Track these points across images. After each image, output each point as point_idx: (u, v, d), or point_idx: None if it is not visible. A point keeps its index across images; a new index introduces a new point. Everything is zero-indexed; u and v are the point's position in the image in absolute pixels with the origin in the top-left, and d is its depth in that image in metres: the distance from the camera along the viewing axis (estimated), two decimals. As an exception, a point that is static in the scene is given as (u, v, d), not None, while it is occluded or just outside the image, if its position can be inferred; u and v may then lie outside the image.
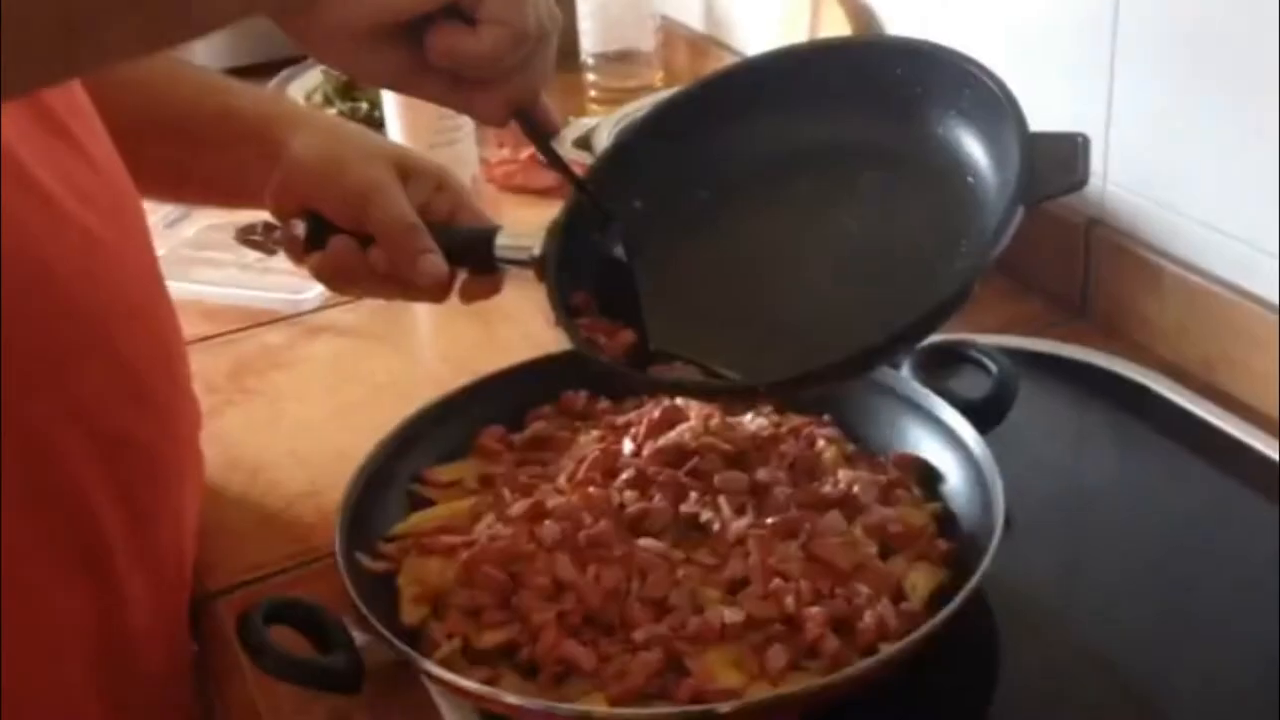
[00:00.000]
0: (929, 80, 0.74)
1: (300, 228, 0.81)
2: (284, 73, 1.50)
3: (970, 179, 0.73)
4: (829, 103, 0.77)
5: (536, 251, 0.78)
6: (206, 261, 1.21)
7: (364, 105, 1.44)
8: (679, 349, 0.74)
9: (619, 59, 1.48)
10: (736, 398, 0.81)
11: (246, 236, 0.94)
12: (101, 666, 0.73)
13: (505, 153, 1.33)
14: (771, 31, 1.40)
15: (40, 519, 0.69)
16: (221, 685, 0.78)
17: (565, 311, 0.75)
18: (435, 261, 0.78)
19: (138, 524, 0.74)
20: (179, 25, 0.59)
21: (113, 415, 0.73)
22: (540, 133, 0.70)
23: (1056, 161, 0.68)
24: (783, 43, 1.33)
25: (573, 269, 0.76)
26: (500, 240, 0.79)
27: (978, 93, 0.72)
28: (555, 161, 0.72)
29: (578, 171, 0.78)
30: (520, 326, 1.03)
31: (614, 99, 1.40)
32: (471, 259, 0.80)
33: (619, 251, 0.75)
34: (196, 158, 0.86)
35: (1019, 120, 0.69)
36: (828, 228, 0.76)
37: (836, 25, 1.26)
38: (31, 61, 0.54)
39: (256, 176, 0.83)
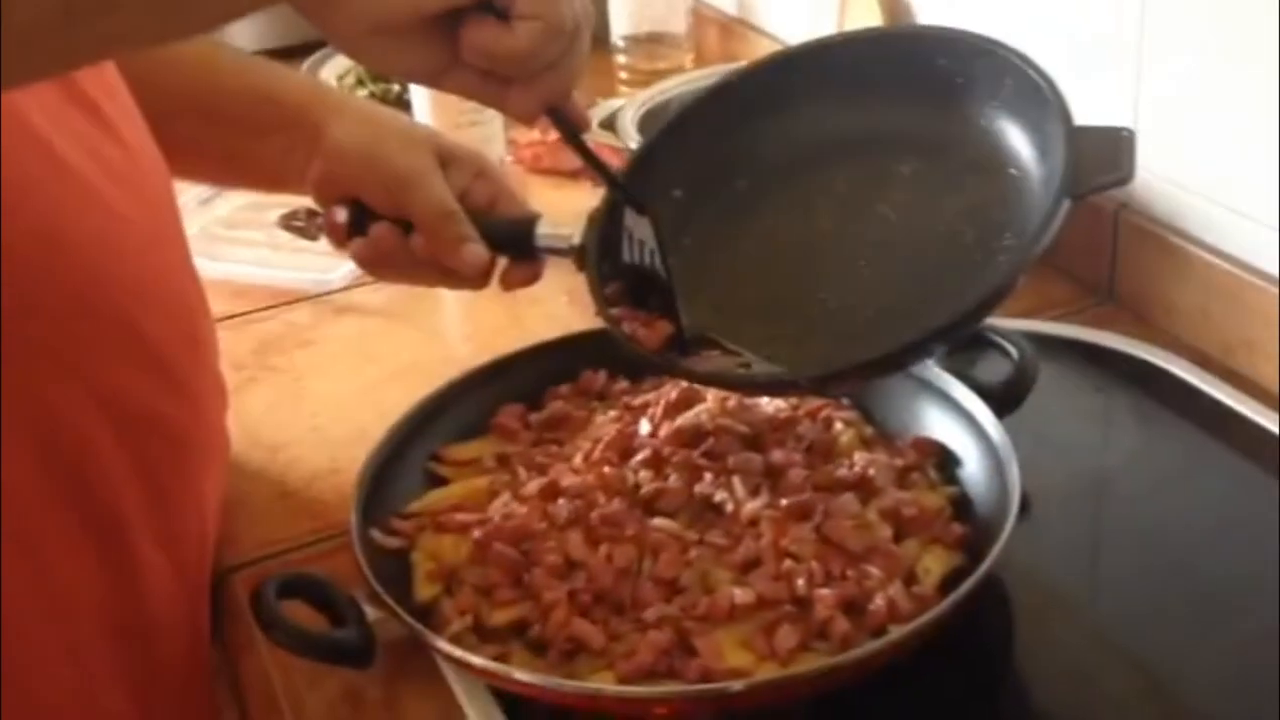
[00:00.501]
0: (971, 70, 0.74)
1: (342, 214, 0.82)
2: (316, 55, 1.51)
3: (1013, 170, 0.72)
4: (870, 93, 0.77)
5: (576, 240, 0.78)
6: (237, 240, 1.22)
7: (395, 88, 1.45)
8: (719, 337, 0.74)
9: (650, 41, 1.48)
10: (776, 391, 0.81)
11: (289, 222, 0.94)
12: (119, 642, 0.74)
13: (534, 134, 1.33)
14: (801, 15, 1.39)
15: (56, 494, 0.70)
16: (236, 658, 0.78)
17: (605, 301, 0.75)
18: (476, 250, 0.78)
19: (158, 502, 0.75)
20: (188, 15, 0.58)
21: (135, 394, 0.73)
22: (572, 129, 0.69)
23: (1101, 156, 0.68)
24: (812, 26, 1.33)
25: (613, 258, 0.77)
26: (540, 229, 0.80)
27: (1020, 84, 0.71)
28: (588, 157, 0.71)
29: (610, 160, 0.78)
30: (543, 308, 1.04)
31: (644, 81, 1.40)
32: (511, 247, 0.80)
33: (651, 244, 0.74)
34: (235, 142, 0.86)
35: (1063, 112, 0.69)
36: (868, 218, 0.76)
37: (866, 9, 1.25)
38: (32, 49, 0.54)
39: (296, 162, 0.83)
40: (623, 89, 1.46)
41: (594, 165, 0.72)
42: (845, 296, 0.74)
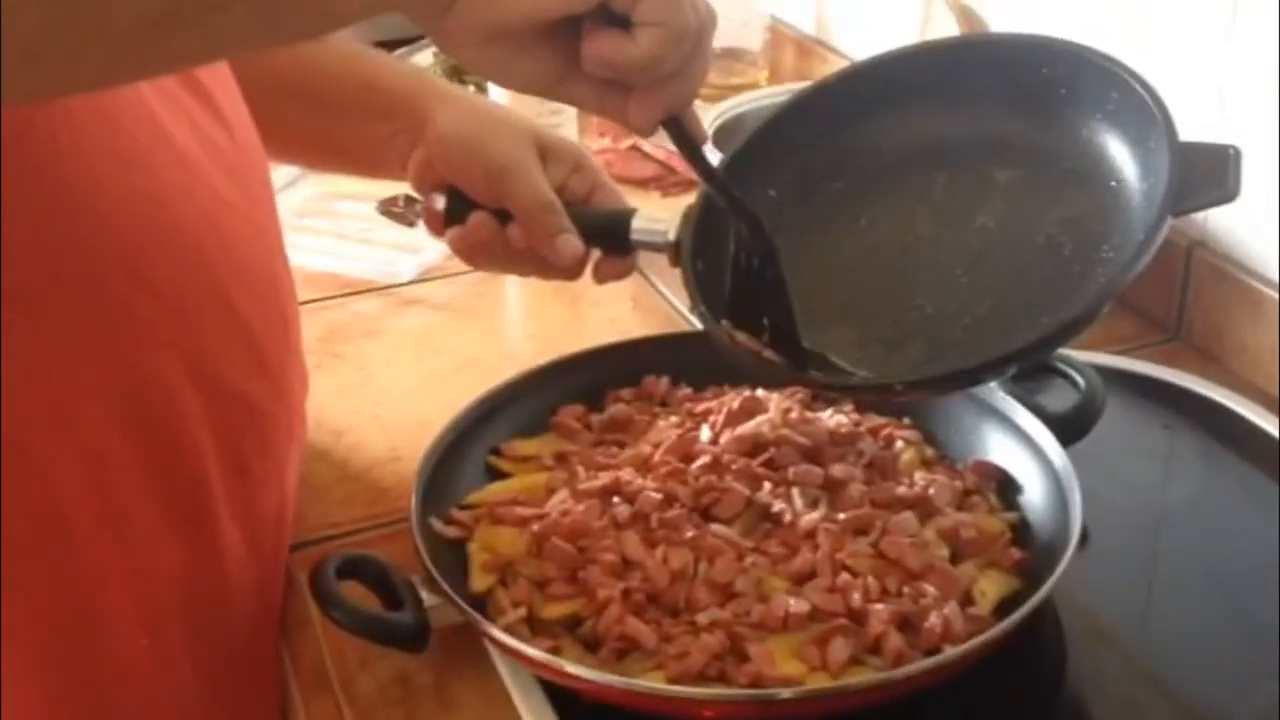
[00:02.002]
0: (1076, 81, 0.73)
1: (440, 202, 0.82)
2: (398, 53, 1.52)
3: (1114, 183, 0.71)
4: (972, 99, 0.77)
5: (671, 236, 0.78)
6: (308, 229, 1.23)
7: (472, 89, 1.46)
8: (808, 341, 0.73)
9: (725, 56, 1.48)
10: (866, 395, 0.81)
11: (388, 208, 0.95)
12: (193, 616, 0.75)
13: (606, 142, 1.33)
14: (879, 36, 1.39)
15: (145, 466, 0.71)
16: (291, 636, 0.79)
17: (699, 298, 0.75)
18: (571, 242, 0.79)
19: (241, 480, 0.76)
20: (294, 20, 0.57)
21: (227, 372, 0.74)
22: (689, 140, 0.66)
23: (1206, 173, 0.67)
24: (891, 47, 1.33)
25: (707, 254, 0.76)
26: (636, 223, 0.80)
27: (1126, 97, 0.71)
28: (703, 169, 0.69)
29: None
30: (606, 311, 1.04)
31: (717, 95, 1.40)
32: (606, 240, 0.81)
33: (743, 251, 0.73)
34: (340, 127, 0.87)
35: (1169, 128, 0.68)
36: (966, 226, 0.75)
37: (946, 33, 1.25)
38: (134, 49, 0.54)
39: (398, 148, 0.84)
40: (696, 102, 1.46)
41: (706, 176, 0.70)
42: (943, 304, 0.73)
